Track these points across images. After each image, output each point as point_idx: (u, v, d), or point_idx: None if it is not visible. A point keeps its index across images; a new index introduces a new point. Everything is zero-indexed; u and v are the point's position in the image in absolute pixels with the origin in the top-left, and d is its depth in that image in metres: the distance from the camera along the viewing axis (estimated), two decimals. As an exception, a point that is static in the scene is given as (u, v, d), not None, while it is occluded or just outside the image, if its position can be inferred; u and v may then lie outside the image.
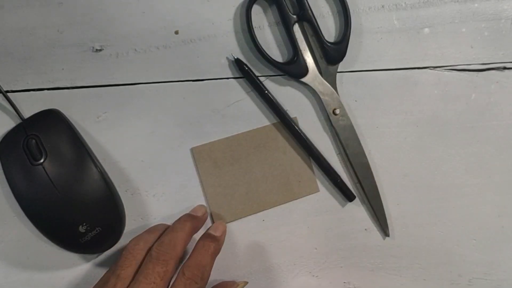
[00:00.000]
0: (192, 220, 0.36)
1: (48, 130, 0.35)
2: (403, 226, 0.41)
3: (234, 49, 0.39)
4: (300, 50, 0.39)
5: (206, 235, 0.36)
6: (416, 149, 0.41)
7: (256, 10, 0.39)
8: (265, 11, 0.39)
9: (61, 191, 0.34)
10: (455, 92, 0.41)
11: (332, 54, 0.39)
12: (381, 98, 0.41)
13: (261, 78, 0.39)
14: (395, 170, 0.41)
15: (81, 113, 0.38)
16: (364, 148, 0.40)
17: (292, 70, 0.39)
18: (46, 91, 0.37)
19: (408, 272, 0.41)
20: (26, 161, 0.34)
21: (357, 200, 0.40)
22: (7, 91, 0.37)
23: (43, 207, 0.34)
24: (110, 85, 0.38)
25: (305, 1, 0.38)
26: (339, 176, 0.40)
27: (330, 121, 0.40)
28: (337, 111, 0.40)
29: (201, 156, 0.39)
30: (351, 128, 0.40)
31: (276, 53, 0.40)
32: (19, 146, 0.34)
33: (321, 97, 0.39)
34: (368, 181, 0.40)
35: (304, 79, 0.39)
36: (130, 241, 0.34)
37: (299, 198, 0.40)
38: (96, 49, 0.38)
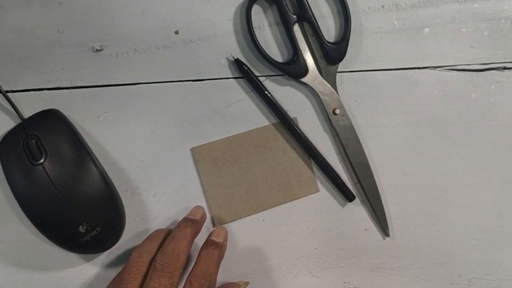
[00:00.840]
0: (192, 225, 0.36)
1: (48, 130, 0.35)
2: (403, 226, 0.41)
3: (234, 49, 0.39)
4: (300, 50, 0.39)
5: (209, 243, 0.36)
6: (416, 149, 0.41)
7: (256, 10, 0.39)
8: (265, 11, 0.39)
9: (61, 191, 0.34)
10: (455, 92, 0.41)
11: (332, 54, 0.39)
12: (381, 98, 0.41)
13: (261, 78, 0.39)
14: (395, 170, 0.41)
15: (81, 113, 0.38)
16: (364, 148, 0.40)
17: (292, 70, 0.39)
18: (46, 91, 0.37)
19: (408, 272, 0.41)
20: (26, 161, 0.34)
21: (357, 200, 0.40)
22: (7, 91, 0.37)
23: (43, 207, 0.34)
24: (110, 85, 0.38)
25: (305, 1, 0.38)
26: (339, 176, 0.40)
27: (330, 121, 0.40)
28: (337, 111, 0.40)
29: (201, 156, 0.39)
30: (351, 128, 0.40)
31: (276, 53, 0.40)
32: (19, 146, 0.34)
33: (321, 97, 0.39)
34: (368, 181, 0.40)
35: (304, 79, 0.39)
36: (132, 253, 0.34)
37: (299, 198, 0.40)
38: (96, 49, 0.38)
